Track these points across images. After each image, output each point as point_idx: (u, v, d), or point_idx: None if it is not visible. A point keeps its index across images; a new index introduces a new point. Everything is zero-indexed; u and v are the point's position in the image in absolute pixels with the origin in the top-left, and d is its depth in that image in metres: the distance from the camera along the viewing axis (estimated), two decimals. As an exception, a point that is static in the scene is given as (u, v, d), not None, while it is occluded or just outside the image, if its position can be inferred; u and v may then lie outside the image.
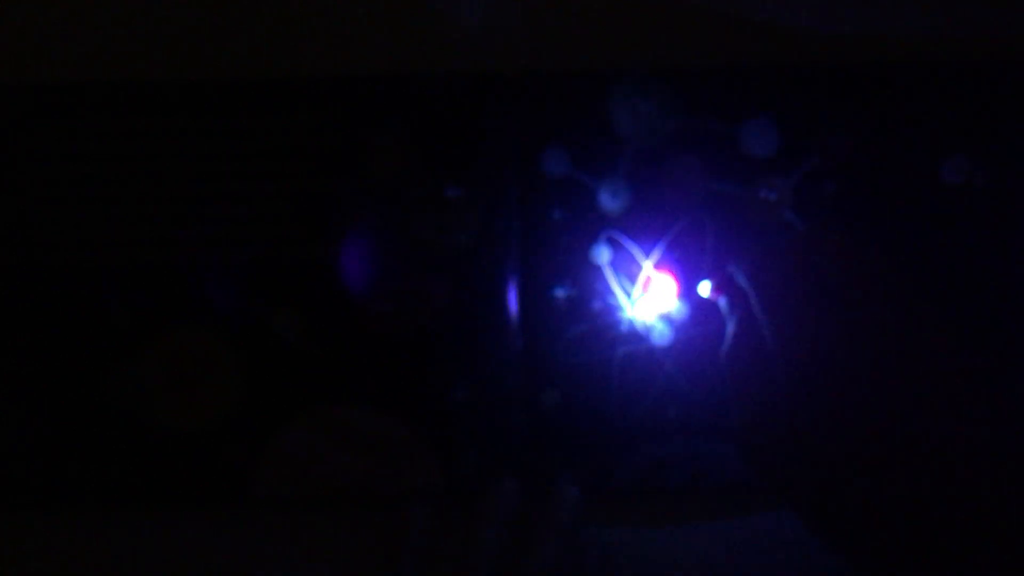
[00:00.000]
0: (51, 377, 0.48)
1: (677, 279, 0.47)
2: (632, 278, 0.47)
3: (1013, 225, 0.47)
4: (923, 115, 0.47)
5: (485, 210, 0.47)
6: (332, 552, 0.47)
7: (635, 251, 0.47)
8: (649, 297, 0.47)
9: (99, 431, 0.47)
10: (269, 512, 0.47)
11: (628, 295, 0.47)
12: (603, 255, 0.47)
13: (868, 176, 0.47)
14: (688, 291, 0.47)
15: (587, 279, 0.47)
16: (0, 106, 0.48)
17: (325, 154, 0.48)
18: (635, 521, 0.48)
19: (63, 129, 0.48)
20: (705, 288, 0.44)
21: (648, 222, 0.47)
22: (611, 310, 0.47)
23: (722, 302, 0.42)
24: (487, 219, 0.47)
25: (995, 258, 0.47)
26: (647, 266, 0.47)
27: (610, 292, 0.47)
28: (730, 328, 0.40)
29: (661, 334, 0.47)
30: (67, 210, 0.48)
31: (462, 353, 0.47)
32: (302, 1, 0.49)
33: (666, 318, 0.47)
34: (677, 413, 0.47)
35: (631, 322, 0.47)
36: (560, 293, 0.47)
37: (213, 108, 0.48)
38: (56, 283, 0.48)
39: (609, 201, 0.48)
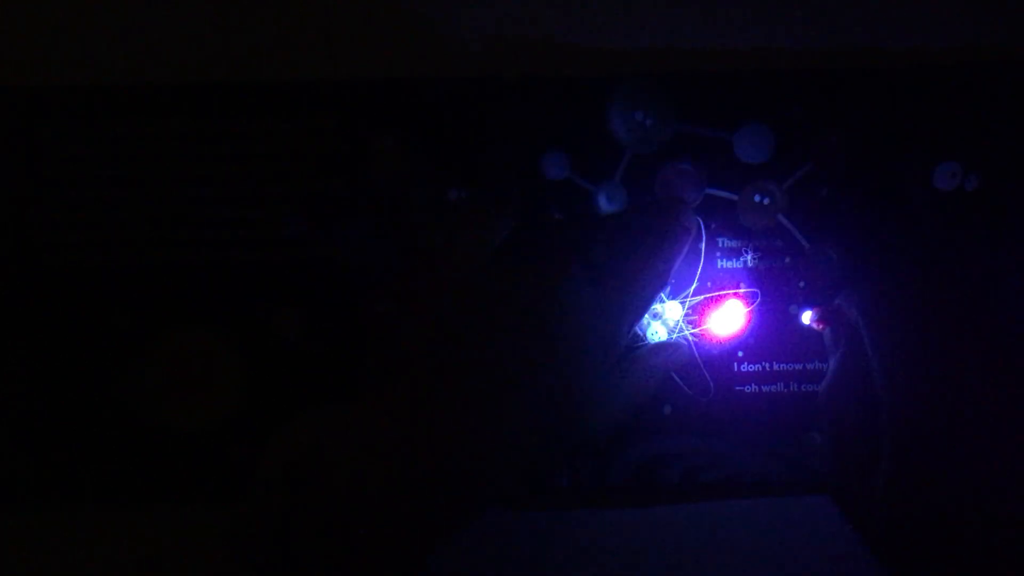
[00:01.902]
0: (54, 377, 0.48)
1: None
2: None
3: (1007, 230, 0.48)
4: (916, 121, 0.48)
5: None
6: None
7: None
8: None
9: (101, 431, 0.48)
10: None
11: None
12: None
13: (862, 181, 0.48)
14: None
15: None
16: (4, 107, 0.48)
17: (328, 157, 0.48)
18: (630, 518, 0.49)
19: (67, 131, 0.48)
20: (807, 317, 0.44)
21: (644, 225, 0.48)
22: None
23: (826, 334, 0.41)
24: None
25: (990, 263, 0.48)
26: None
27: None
28: (833, 364, 0.39)
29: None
30: (70, 211, 0.48)
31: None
32: (306, 5, 0.49)
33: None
34: (672, 410, 0.48)
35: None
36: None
37: (218, 110, 0.48)
38: (59, 284, 0.48)
39: (606, 204, 0.48)
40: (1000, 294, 0.39)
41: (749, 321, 0.48)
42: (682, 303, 0.48)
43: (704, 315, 0.48)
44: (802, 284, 0.48)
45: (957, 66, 0.49)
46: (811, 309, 0.44)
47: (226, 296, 0.48)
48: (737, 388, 0.48)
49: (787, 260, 0.48)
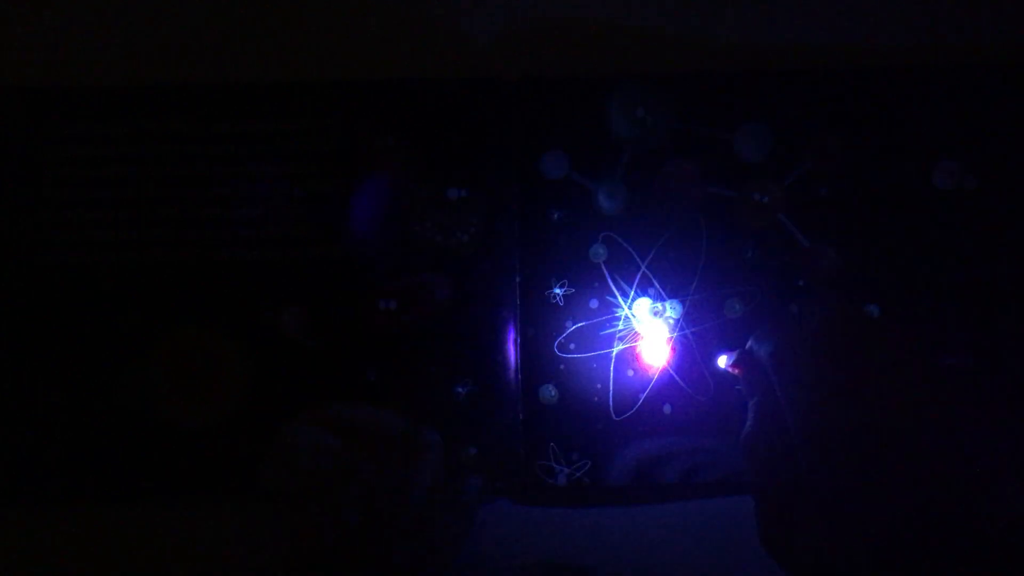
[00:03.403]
0: (59, 376, 0.48)
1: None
2: (628, 278, 0.48)
3: (1005, 229, 0.48)
4: (915, 120, 0.48)
5: (486, 211, 0.48)
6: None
7: (631, 251, 0.48)
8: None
9: (107, 428, 0.48)
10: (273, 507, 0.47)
11: (624, 295, 0.48)
12: (600, 255, 0.48)
13: (860, 180, 0.48)
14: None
15: (584, 278, 0.48)
16: (11, 109, 0.49)
17: (332, 156, 0.48)
18: (630, 516, 0.49)
19: (69, 131, 0.48)
20: (723, 361, 0.44)
21: (644, 223, 0.48)
22: (607, 308, 0.48)
23: (742, 379, 0.41)
24: (488, 220, 0.48)
25: (987, 262, 0.49)
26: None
27: (607, 291, 0.48)
28: (750, 409, 0.39)
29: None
30: (79, 212, 0.48)
31: (462, 350, 0.48)
32: (310, 7, 0.50)
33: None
34: (672, 410, 0.48)
35: (627, 320, 0.48)
36: (558, 291, 0.48)
37: (219, 110, 0.48)
38: (63, 283, 0.48)
39: (606, 203, 0.49)
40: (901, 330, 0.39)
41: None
42: (682, 302, 0.48)
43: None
44: (801, 282, 0.48)
45: (957, 66, 0.49)
46: (726, 354, 0.44)
47: (229, 295, 0.48)
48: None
49: (786, 258, 0.48)
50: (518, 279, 0.48)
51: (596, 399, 0.48)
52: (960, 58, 0.50)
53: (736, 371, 0.42)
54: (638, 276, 0.48)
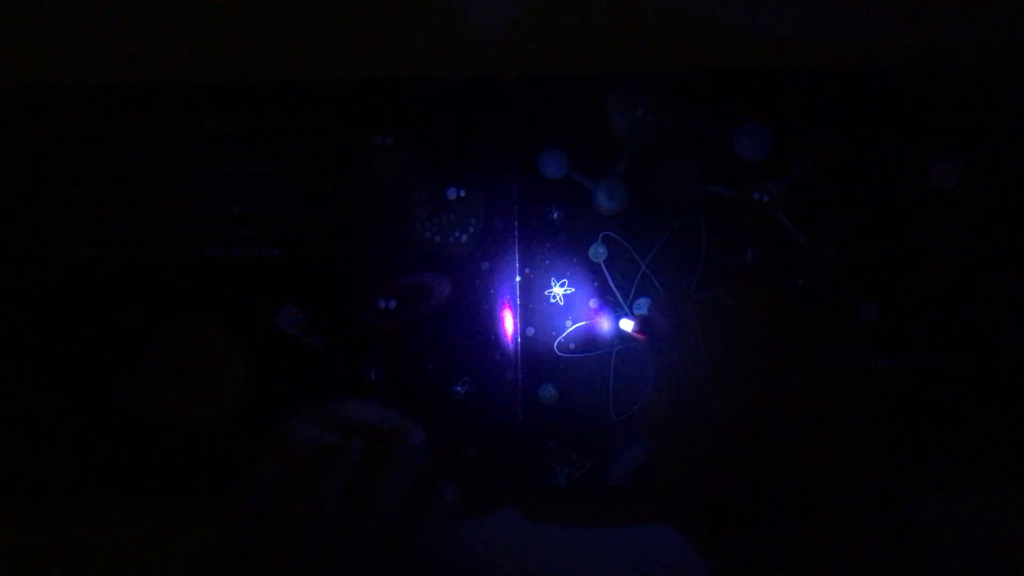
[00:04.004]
0: (59, 374, 0.48)
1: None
2: (628, 278, 0.48)
3: (1004, 229, 0.49)
4: (914, 120, 0.48)
5: (485, 210, 0.48)
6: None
7: (631, 251, 0.48)
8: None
9: (108, 428, 0.48)
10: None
11: (624, 294, 0.48)
12: (600, 254, 0.48)
13: (859, 179, 0.48)
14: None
15: (584, 277, 0.48)
16: (11, 109, 0.49)
17: (332, 155, 0.48)
18: (627, 516, 0.49)
19: (70, 130, 0.48)
20: (627, 325, 0.45)
21: (643, 223, 0.48)
22: (606, 308, 0.48)
23: (644, 344, 0.43)
24: (487, 219, 0.48)
25: (986, 262, 0.49)
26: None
27: (606, 290, 0.48)
28: (652, 373, 0.41)
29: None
30: (79, 211, 0.48)
31: (462, 350, 0.48)
32: (310, 7, 0.50)
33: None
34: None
35: (625, 320, 0.48)
36: (558, 291, 0.48)
37: (220, 110, 0.48)
38: (66, 282, 0.48)
39: (605, 202, 0.49)
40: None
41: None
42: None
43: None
44: (800, 281, 0.48)
45: (957, 66, 0.49)
46: (628, 318, 0.45)
47: (229, 294, 0.48)
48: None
49: (786, 258, 0.48)
50: (518, 279, 0.48)
51: (596, 399, 0.48)
52: (960, 58, 0.50)
53: (642, 336, 0.44)
54: (638, 276, 0.48)
